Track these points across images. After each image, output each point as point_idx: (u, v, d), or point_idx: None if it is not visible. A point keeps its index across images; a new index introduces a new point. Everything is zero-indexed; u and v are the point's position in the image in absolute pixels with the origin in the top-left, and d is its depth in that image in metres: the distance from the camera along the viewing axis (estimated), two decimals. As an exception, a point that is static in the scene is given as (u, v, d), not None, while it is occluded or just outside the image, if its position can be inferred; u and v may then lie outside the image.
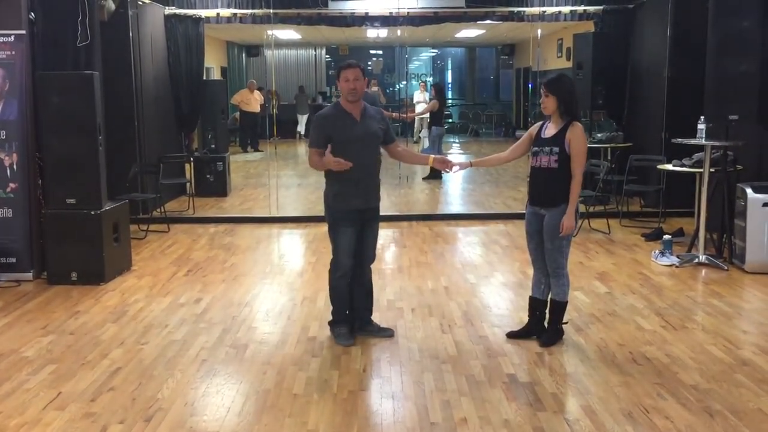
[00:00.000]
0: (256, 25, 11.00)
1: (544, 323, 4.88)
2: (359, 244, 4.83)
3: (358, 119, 4.70)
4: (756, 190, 6.47)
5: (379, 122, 4.82)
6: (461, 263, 7.05)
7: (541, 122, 4.78)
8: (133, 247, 7.19)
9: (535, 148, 4.69)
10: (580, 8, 10.37)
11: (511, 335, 4.93)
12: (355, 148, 4.63)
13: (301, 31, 15.56)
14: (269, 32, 11.76)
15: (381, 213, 5.01)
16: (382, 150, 4.90)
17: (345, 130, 4.65)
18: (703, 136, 6.74)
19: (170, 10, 10.18)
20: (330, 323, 5.01)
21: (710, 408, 3.85)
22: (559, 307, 4.80)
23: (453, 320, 5.30)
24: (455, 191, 11.90)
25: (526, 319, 5.00)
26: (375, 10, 10.77)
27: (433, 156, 5.06)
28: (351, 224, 4.73)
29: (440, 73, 27.27)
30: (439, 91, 12.77)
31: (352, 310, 5.00)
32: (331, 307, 5.05)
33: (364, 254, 4.90)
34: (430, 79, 24.00)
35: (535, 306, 4.90)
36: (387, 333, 5.00)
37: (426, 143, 14.09)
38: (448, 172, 5.02)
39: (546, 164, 4.61)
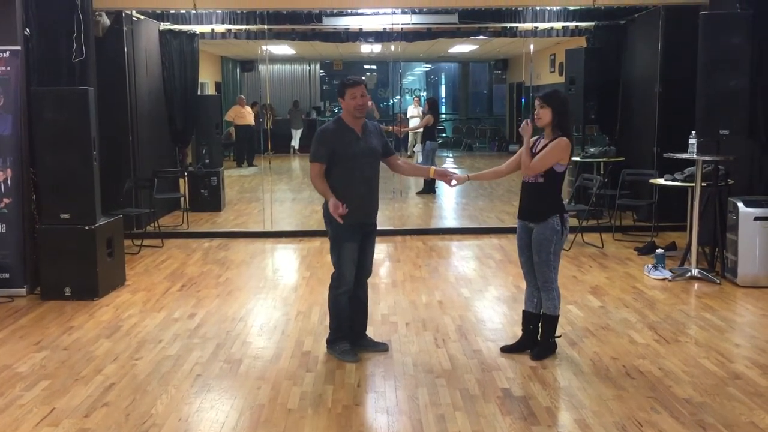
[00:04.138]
0: (251, 40, 11.06)
1: (538, 337, 4.90)
2: (360, 254, 4.85)
3: (360, 135, 4.74)
4: (747, 204, 6.52)
5: (378, 137, 4.87)
6: (455, 277, 7.06)
7: (536, 137, 4.81)
8: (127, 262, 7.19)
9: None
10: (572, 24, 10.48)
11: (505, 349, 4.94)
12: (358, 163, 4.68)
13: (296, 47, 15.64)
14: (264, 47, 11.83)
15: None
16: (382, 164, 4.94)
17: (349, 145, 4.68)
18: (695, 150, 6.81)
19: (165, 25, 10.22)
20: (329, 341, 4.97)
21: (703, 422, 3.86)
22: (551, 321, 4.81)
23: (447, 334, 5.31)
24: (449, 206, 11.93)
25: (520, 333, 5.01)
26: (369, 25, 10.87)
27: (434, 168, 5.07)
28: (354, 238, 4.75)
29: (434, 88, 27.37)
30: (432, 105, 12.84)
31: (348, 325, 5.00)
32: (327, 323, 5.04)
33: (363, 268, 4.92)
34: (423, 94, 24.11)
35: (529, 320, 4.91)
36: (381, 347, 5.00)
37: (420, 158, 14.18)
38: (449, 185, 5.03)
39: (533, 179, 4.66)
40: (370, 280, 4.83)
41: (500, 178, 5.34)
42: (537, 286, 4.81)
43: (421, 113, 17.57)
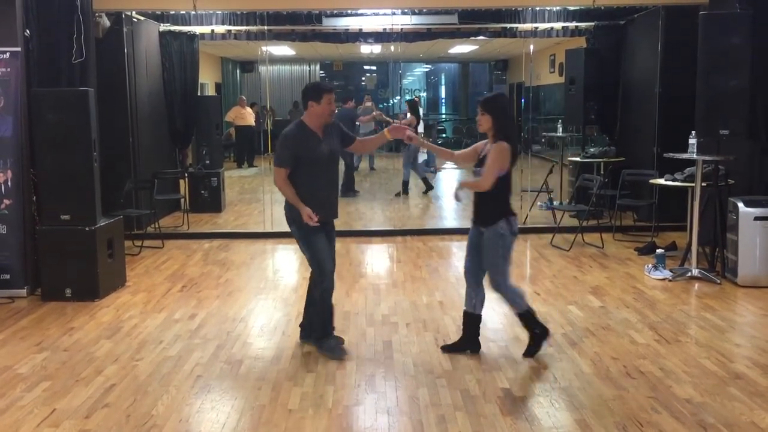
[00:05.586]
0: (251, 41, 11.07)
1: (478, 338, 4.93)
2: None
3: (322, 138, 4.81)
4: (747, 204, 6.52)
5: (336, 136, 4.94)
6: (456, 278, 7.06)
7: (485, 141, 4.82)
8: (127, 263, 7.19)
9: (475, 168, 4.79)
10: (572, 24, 10.48)
11: (446, 349, 4.96)
12: (321, 166, 4.79)
13: (296, 47, 15.64)
14: (264, 48, 11.83)
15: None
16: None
17: (312, 149, 4.75)
18: (695, 150, 6.81)
19: (165, 26, 10.23)
20: (319, 338, 4.99)
21: (704, 421, 3.86)
22: (523, 318, 4.82)
23: (448, 335, 5.31)
24: (449, 206, 11.93)
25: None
26: (369, 26, 10.87)
27: (387, 128, 5.05)
28: (322, 232, 4.85)
29: (434, 89, 27.41)
30: (412, 106, 12.90)
31: (307, 316, 5.13)
32: (317, 323, 5.06)
33: None
34: (423, 95, 24.14)
35: (469, 320, 4.93)
36: (338, 342, 5.07)
37: (420, 159, 14.26)
38: (406, 141, 5.00)
39: None
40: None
41: (448, 160, 5.41)
42: (475, 286, 4.87)
43: (421, 114, 17.53)
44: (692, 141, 6.84)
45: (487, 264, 4.76)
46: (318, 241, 4.83)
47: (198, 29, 10.47)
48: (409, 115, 13.57)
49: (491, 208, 4.69)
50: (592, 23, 10.37)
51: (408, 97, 19.81)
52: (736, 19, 6.63)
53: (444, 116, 24.42)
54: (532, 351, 4.83)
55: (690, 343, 5.10)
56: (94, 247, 6.31)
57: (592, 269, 7.32)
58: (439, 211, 11.59)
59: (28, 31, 6.70)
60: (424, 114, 18.62)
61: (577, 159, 10.16)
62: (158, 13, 9.78)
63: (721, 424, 3.82)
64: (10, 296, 6.42)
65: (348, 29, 10.94)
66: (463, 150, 5.06)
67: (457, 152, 5.10)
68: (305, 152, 4.72)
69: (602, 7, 9.38)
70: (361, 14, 10.27)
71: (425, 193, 12.59)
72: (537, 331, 4.86)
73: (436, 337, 5.26)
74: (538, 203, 10.17)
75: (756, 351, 4.95)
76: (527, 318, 4.84)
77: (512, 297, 4.79)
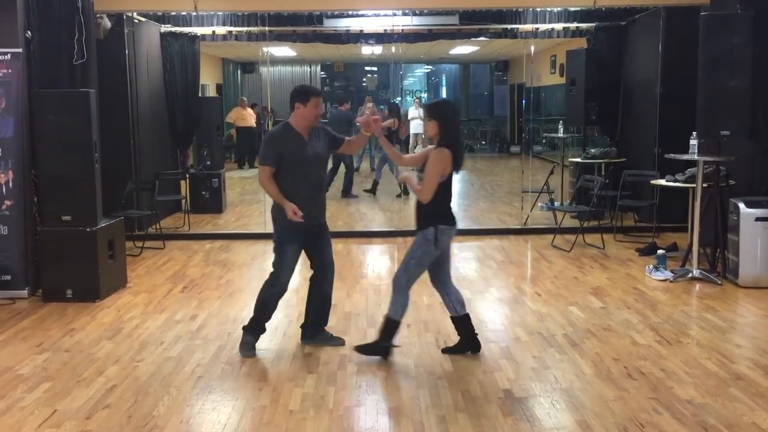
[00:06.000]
0: (252, 42, 11.08)
1: (476, 338, 4.93)
2: (317, 254, 4.99)
3: (307, 140, 4.83)
4: (748, 205, 6.52)
5: (324, 139, 4.96)
6: (456, 278, 6.99)
7: (432, 146, 4.80)
8: (128, 264, 7.19)
9: (419, 173, 4.80)
10: (573, 25, 10.48)
11: (446, 351, 4.95)
12: (305, 169, 4.80)
13: (297, 48, 15.65)
14: (264, 49, 11.84)
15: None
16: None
17: (296, 151, 4.77)
18: (696, 151, 6.81)
19: (166, 27, 10.24)
20: (245, 328, 5.03)
21: (705, 422, 3.86)
22: (387, 323, 4.77)
23: (448, 336, 5.30)
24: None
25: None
26: (370, 27, 10.87)
27: (362, 129, 5.01)
28: (298, 242, 4.87)
29: (435, 90, 27.40)
30: (392, 109, 12.87)
31: (307, 317, 5.17)
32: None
33: (325, 261, 5.04)
34: (424, 95, 24.13)
35: (458, 324, 4.92)
36: (338, 342, 5.11)
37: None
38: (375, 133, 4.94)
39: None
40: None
41: (399, 164, 5.47)
42: (445, 290, 4.87)
43: (421, 114, 17.51)
44: (693, 142, 6.84)
45: (403, 259, 4.76)
46: (289, 252, 4.85)
47: (199, 30, 10.47)
48: (420, 113, 13.55)
49: (424, 212, 4.69)
50: (593, 24, 10.37)
51: (410, 98, 19.86)
52: (737, 20, 6.62)
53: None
54: (363, 349, 4.85)
55: (691, 344, 5.10)
56: (95, 247, 6.31)
57: (593, 270, 7.32)
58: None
59: (29, 32, 6.71)
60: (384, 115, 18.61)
61: (578, 160, 10.16)
62: (159, 14, 9.79)
63: (723, 425, 3.82)
64: (11, 297, 6.42)
65: (349, 30, 10.95)
66: (413, 156, 5.07)
67: (406, 156, 5.14)
68: (289, 153, 4.75)
69: (603, 8, 9.39)
70: (362, 15, 10.27)
71: (367, 191, 12.69)
72: (384, 344, 4.80)
73: (437, 338, 5.26)
74: (539, 204, 10.18)
75: (757, 352, 4.95)
76: (390, 327, 4.77)
77: (398, 301, 4.73)
